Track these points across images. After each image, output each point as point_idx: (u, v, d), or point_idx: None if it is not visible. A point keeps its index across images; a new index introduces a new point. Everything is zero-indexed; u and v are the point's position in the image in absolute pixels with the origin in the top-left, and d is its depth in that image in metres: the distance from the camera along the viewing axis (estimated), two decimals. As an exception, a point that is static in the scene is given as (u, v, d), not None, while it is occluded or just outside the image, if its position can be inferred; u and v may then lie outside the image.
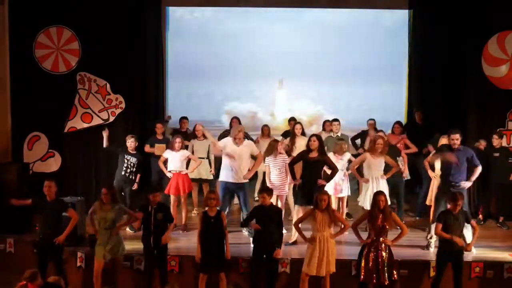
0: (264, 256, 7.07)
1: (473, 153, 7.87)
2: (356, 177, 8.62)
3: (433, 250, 7.77)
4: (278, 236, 7.06)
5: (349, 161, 8.86)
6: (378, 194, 6.96)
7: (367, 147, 8.66)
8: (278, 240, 7.06)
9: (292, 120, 10.61)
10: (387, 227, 6.81)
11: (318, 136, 8.06)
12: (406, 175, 9.63)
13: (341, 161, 8.65)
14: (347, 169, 8.80)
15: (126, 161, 8.85)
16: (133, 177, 8.90)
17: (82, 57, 9.82)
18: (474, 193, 9.49)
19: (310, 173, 7.89)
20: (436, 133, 9.45)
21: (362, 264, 6.82)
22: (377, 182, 8.22)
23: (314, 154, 7.90)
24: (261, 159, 8.38)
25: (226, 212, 8.06)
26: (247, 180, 8.31)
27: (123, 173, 8.85)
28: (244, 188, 8.27)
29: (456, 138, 7.72)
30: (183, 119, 10.45)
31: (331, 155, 8.59)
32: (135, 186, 8.92)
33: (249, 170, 8.27)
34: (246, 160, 8.26)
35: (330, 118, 10.52)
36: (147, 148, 9.52)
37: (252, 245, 7.43)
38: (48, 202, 7.22)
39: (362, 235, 7.03)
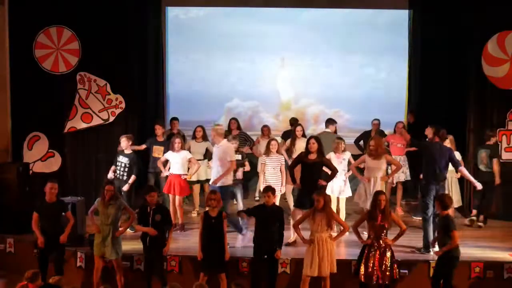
0: (265, 256, 7.08)
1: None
2: (357, 176, 8.59)
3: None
4: (278, 236, 7.06)
5: (349, 162, 8.86)
6: (378, 193, 6.97)
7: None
8: (279, 241, 7.06)
9: (294, 121, 10.62)
10: (386, 226, 6.82)
11: (317, 138, 8.07)
12: (407, 175, 9.66)
13: (343, 161, 8.66)
14: (348, 170, 8.81)
15: (117, 162, 8.85)
16: (125, 178, 8.77)
17: (82, 57, 9.80)
18: (470, 192, 9.54)
19: (309, 175, 7.89)
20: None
21: (362, 264, 6.83)
22: (374, 184, 8.20)
23: (312, 156, 7.91)
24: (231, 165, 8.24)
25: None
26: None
27: (115, 175, 8.86)
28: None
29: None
30: (174, 120, 10.38)
31: (331, 154, 8.61)
32: (126, 187, 8.71)
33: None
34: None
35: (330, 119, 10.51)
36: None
37: (252, 245, 7.44)
38: (48, 203, 7.28)
39: (363, 235, 7.06)
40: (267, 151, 8.57)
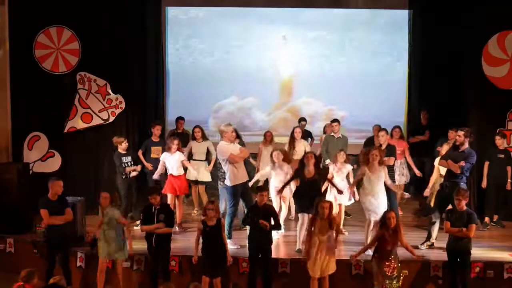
0: (260, 255, 7.10)
1: None
2: (355, 197, 8.19)
3: (425, 249, 7.92)
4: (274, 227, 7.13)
5: (347, 176, 8.71)
6: (388, 212, 6.94)
7: (361, 161, 7.94)
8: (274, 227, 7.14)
9: (303, 121, 10.62)
10: (394, 250, 6.79)
11: (314, 153, 7.92)
12: (407, 178, 9.61)
13: (341, 174, 8.57)
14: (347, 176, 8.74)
15: (123, 164, 8.93)
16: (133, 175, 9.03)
17: (82, 57, 9.81)
18: (474, 194, 9.52)
19: (306, 193, 7.65)
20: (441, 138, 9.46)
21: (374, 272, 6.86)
22: (377, 196, 7.76)
23: (310, 174, 7.69)
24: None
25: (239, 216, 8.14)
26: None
27: (123, 176, 8.92)
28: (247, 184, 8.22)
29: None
30: (180, 119, 10.37)
31: (331, 167, 8.58)
32: (134, 173, 9.02)
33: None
34: None
35: (330, 120, 10.51)
36: (140, 153, 9.35)
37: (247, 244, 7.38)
38: (53, 201, 7.30)
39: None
40: (273, 165, 8.38)
